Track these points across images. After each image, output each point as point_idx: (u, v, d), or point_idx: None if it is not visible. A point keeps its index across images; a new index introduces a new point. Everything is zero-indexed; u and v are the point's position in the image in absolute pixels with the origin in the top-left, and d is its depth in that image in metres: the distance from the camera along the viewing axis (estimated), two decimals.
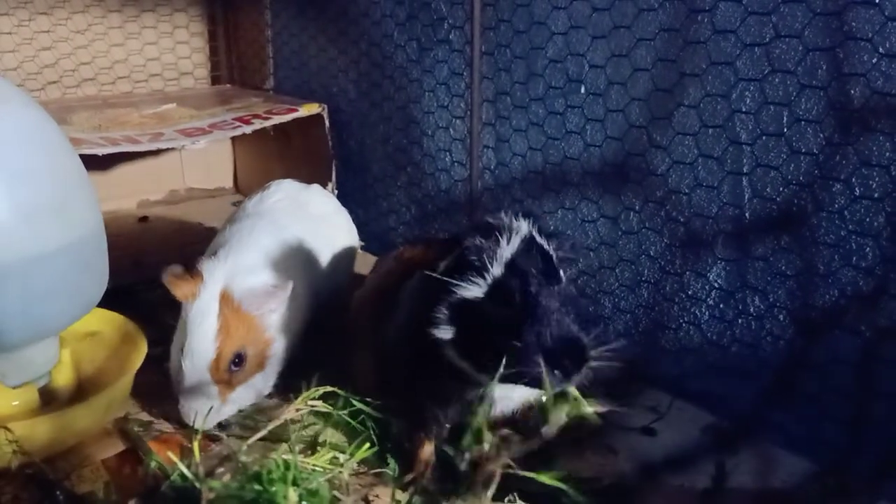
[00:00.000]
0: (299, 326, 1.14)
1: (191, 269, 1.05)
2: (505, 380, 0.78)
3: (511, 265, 0.84)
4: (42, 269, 0.90)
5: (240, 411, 1.05)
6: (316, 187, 1.41)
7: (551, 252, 0.88)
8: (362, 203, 1.76)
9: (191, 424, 0.99)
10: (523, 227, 0.87)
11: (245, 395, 1.05)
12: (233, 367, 1.02)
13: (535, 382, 0.77)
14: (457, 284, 0.84)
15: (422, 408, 0.91)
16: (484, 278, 0.85)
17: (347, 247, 1.36)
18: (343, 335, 1.20)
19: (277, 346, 1.08)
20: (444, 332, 0.85)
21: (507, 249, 0.85)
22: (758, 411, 1.09)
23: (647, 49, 1.14)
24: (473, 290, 0.84)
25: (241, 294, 1.03)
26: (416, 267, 1.04)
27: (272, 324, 1.07)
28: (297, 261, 1.18)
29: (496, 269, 0.84)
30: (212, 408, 0.99)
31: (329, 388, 0.86)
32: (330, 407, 0.86)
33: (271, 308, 1.05)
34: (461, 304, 0.85)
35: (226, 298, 1.03)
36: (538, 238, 0.87)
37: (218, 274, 1.05)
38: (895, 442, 0.94)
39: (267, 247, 1.14)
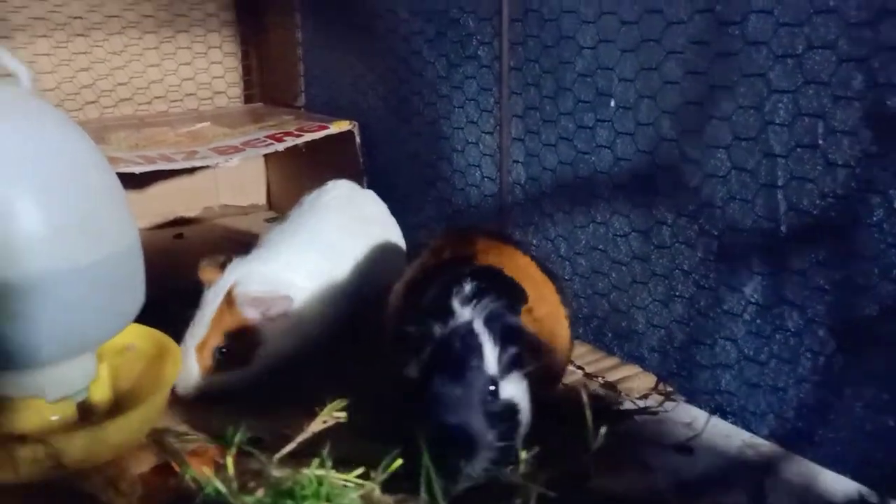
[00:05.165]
0: (315, 329, 1.21)
1: (224, 263, 1.20)
2: None
3: (433, 354, 0.89)
4: (75, 283, 0.92)
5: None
6: (369, 191, 1.50)
7: (486, 344, 0.89)
8: (393, 217, 1.76)
9: (179, 392, 1.12)
10: (465, 314, 0.91)
11: (221, 382, 1.14)
12: (217, 355, 1.14)
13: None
14: (403, 360, 0.92)
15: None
16: (416, 363, 0.90)
17: (397, 251, 1.41)
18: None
19: (272, 349, 1.17)
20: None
21: (433, 341, 0.90)
22: (798, 429, 1.06)
23: (677, 62, 1.13)
24: (411, 368, 0.91)
25: (238, 296, 1.15)
26: (447, 262, 1.06)
27: (271, 328, 1.16)
28: (332, 263, 1.26)
29: (425, 355, 0.89)
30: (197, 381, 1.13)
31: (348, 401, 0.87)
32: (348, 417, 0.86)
33: (270, 314, 1.15)
34: (405, 377, 0.92)
35: (229, 295, 1.15)
36: (477, 327, 0.90)
37: (234, 272, 1.18)
38: None
39: (295, 253, 1.25)
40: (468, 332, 0.89)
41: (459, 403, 0.84)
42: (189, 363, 1.13)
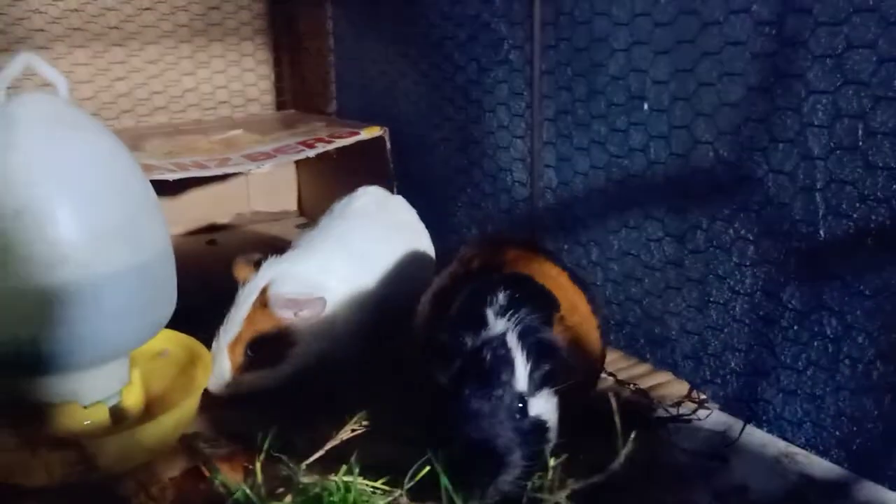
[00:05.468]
0: (346, 333, 1.21)
1: (258, 262, 1.22)
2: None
3: (463, 365, 0.87)
4: (112, 289, 0.93)
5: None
6: (399, 197, 1.50)
7: (518, 359, 0.87)
8: (424, 224, 1.76)
9: (211, 390, 1.12)
10: (498, 326, 0.89)
11: (253, 381, 1.15)
12: (248, 353, 1.14)
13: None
14: (433, 368, 0.90)
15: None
16: (446, 372, 0.88)
17: (427, 257, 1.40)
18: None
19: (302, 350, 1.16)
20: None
21: (467, 348, 0.88)
22: (836, 437, 1.04)
23: (713, 63, 1.11)
24: (441, 377, 0.89)
25: (272, 296, 1.15)
26: (476, 271, 1.05)
27: (303, 329, 1.16)
28: (362, 269, 1.26)
29: (455, 365, 0.87)
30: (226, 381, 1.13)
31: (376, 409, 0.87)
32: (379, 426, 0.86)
33: (303, 315, 1.15)
34: (434, 383, 0.90)
35: (263, 295, 1.15)
36: (510, 341, 0.88)
37: (269, 272, 1.18)
38: None
39: (327, 257, 1.25)
40: (500, 345, 0.88)
41: (485, 419, 0.83)
42: (221, 361, 1.14)
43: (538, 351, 0.89)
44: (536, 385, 0.88)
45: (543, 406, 0.88)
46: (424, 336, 1.11)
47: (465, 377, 0.86)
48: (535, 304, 0.94)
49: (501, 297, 0.92)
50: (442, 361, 0.89)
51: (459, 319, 0.92)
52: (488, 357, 0.86)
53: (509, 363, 0.86)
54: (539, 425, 0.88)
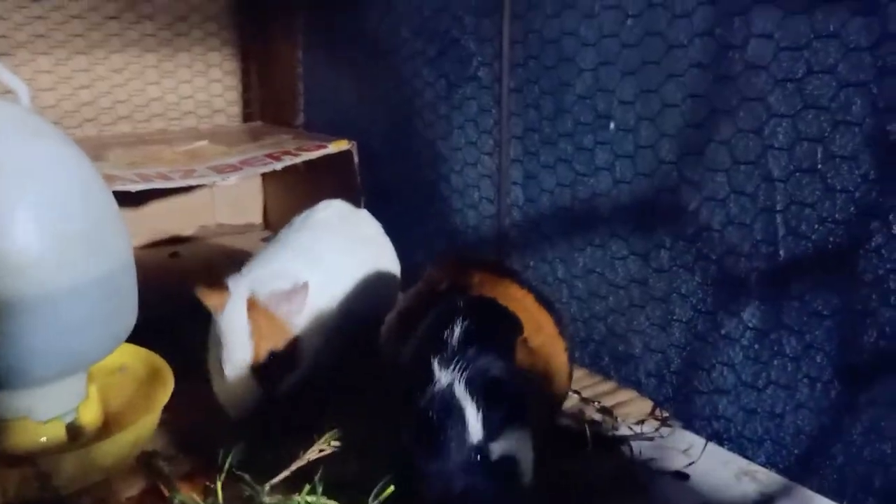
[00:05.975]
0: (329, 325, 1.19)
1: (220, 284, 1.15)
2: None
3: (416, 426, 0.83)
4: (72, 301, 0.91)
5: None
6: (364, 211, 1.48)
7: (468, 409, 0.83)
8: (390, 238, 1.75)
9: (235, 418, 1.08)
10: (444, 378, 0.84)
11: (282, 391, 1.11)
12: (268, 364, 1.09)
13: None
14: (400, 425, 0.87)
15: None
16: (407, 431, 0.84)
17: (391, 272, 1.39)
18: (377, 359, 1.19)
19: (306, 344, 1.14)
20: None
21: (422, 401, 0.84)
22: (796, 456, 1.05)
23: (678, 85, 1.13)
24: (403, 436, 0.84)
25: (265, 297, 1.10)
26: (443, 292, 1.04)
27: (299, 323, 1.13)
28: (326, 279, 1.23)
29: (411, 426, 0.84)
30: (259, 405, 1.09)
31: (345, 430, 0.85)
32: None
33: (295, 308, 1.12)
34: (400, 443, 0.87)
35: (252, 304, 1.10)
36: (458, 392, 0.83)
37: (243, 285, 1.13)
38: None
39: (295, 258, 1.22)
40: (448, 399, 0.82)
41: (441, 480, 0.79)
42: (247, 385, 1.08)
43: (491, 395, 0.83)
44: (496, 427, 0.83)
45: (510, 445, 0.84)
46: (390, 357, 1.10)
47: (417, 440, 0.82)
48: (495, 331, 0.91)
49: (457, 333, 0.88)
50: (404, 421, 0.85)
51: (411, 373, 0.88)
52: (435, 416, 0.81)
53: (458, 416, 0.81)
54: (506, 463, 0.83)
